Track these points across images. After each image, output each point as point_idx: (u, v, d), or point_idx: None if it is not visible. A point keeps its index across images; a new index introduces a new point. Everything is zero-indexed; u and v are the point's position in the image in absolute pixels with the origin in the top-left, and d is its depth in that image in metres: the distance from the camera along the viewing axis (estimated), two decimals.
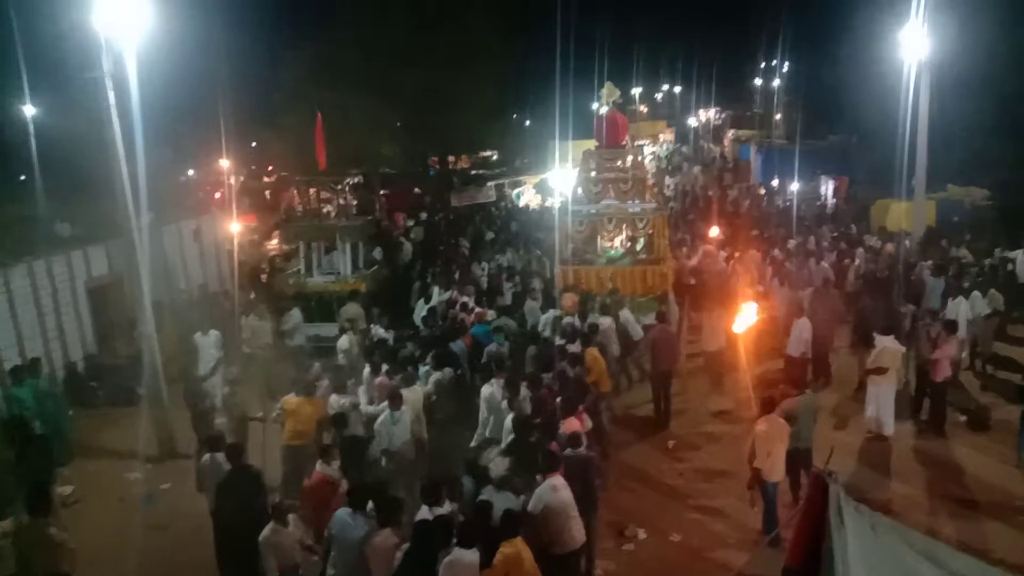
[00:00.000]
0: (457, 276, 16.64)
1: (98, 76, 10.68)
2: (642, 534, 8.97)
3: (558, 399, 9.16)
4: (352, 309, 14.20)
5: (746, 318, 10.60)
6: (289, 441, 9.22)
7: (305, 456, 8.78)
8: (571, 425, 8.42)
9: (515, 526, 6.36)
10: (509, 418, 8.65)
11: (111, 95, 10.82)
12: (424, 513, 6.64)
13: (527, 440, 8.04)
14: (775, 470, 8.52)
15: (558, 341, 11.43)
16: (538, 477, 7.32)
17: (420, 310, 14.13)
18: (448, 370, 10.42)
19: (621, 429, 11.84)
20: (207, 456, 8.26)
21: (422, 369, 10.55)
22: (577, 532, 7.19)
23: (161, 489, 10.25)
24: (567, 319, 12.54)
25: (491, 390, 9.67)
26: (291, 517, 7.08)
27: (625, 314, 13.23)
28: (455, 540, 6.10)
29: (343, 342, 12.33)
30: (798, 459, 9.13)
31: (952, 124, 19.45)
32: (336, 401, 9.68)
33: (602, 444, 11.05)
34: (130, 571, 8.64)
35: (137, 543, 9.11)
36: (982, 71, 20.91)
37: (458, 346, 11.61)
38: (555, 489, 7.11)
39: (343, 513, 6.72)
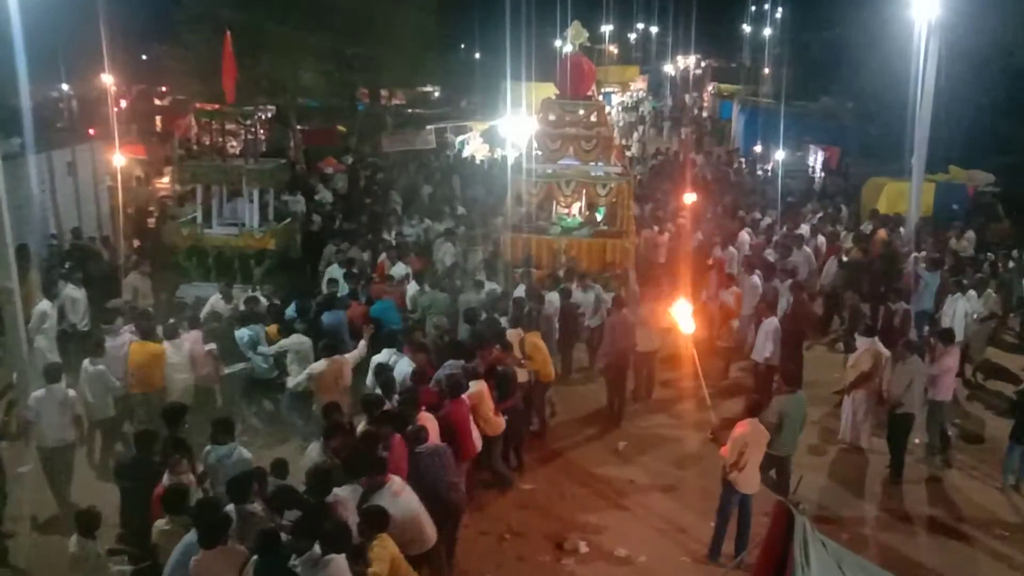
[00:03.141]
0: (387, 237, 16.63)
1: None
2: (583, 547, 9.20)
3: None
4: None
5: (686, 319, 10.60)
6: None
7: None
8: (423, 419, 8.52)
9: (384, 522, 6.60)
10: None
11: None
12: (231, 511, 6.74)
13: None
14: (749, 481, 8.63)
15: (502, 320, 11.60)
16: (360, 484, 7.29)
17: (330, 274, 14.00)
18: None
19: (568, 425, 12.11)
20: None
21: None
22: (430, 530, 7.43)
23: (19, 472, 10.03)
24: (516, 294, 12.83)
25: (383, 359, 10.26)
26: None
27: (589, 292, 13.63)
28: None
29: (215, 301, 12.66)
30: (774, 464, 9.44)
31: (960, 98, 19.90)
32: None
33: (542, 439, 11.54)
34: None
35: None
36: (998, 42, 21.36)
37: (335, 316, 11.82)
38: (395, 495, 7.18)
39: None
